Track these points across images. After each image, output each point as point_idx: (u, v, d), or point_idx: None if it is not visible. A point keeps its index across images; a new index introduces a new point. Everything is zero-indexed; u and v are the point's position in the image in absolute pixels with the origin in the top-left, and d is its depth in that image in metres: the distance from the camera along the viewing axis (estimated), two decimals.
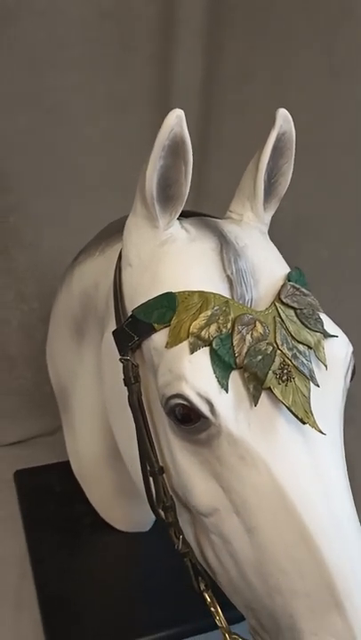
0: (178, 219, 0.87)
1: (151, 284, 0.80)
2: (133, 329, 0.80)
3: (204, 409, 0.70)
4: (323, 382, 0.75)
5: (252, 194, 0.86)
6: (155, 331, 0.77)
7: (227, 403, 0.71)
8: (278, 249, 0.90)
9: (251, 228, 0.87)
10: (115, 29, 1.63)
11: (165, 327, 0.76)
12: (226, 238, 0.82)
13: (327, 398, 0.76)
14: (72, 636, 1.07)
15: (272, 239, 0.91)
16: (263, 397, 0.71)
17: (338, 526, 0.68)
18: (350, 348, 0.81)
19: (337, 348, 0.79)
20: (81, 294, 1.08)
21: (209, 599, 0.80)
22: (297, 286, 0.80)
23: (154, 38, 1.61)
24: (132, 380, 0.81)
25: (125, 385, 0.81)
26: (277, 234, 0.92)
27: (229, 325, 0.73)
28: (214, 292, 0.75)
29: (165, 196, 0.79)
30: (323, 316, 0.80)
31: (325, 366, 0.76)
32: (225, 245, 0.81)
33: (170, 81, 1.63)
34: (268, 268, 0.82)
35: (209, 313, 0.73)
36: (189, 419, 0.72)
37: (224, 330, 0.73)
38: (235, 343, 0.72)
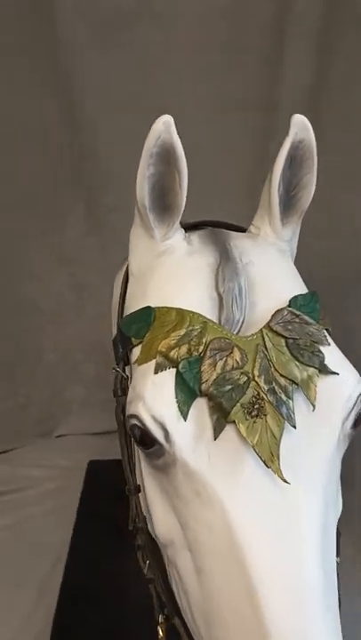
0: (192, 229, 0.82)
1: (141, 296, 0.77)
2: (121, 340, 0.78)
3: (158, 435, 0.66)
4: (309, 425, 0.66)
5: (269, 209, 0.78)
6: (132, 345, 0.74)
7: (184, 431, 0.65)
8: None
9: (267, 244, 0.79)
10: (230, 29, 1.59)
11: (141, 342, 0.72)
12: (228, 254, 0.75)
13: (314, 444, 0.66)
14: (77, 631, 1.07)
15: None
16: (230, 432, 0.64)
17: (292, 591, 0.59)
18: (358, 389, 0.69)
19: (338, 387, 0.69)
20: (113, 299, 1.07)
21: (161, 634, 0.75)
22: (297, 312, 0.71)
23: (267, 38, 1.55)
24: (118, 392, 0.79)
25: (114, 396, 0.79)
26: None
27: (201, 348, 0.67)
28: (197, 310, 0.70)
29: (161, 206, 0.75)
30: (326, 350, 0.70)
31: (313, 407, 0.67)
32: (224, 261, 0.74)
33: (280, 82, 1.55)
34: (273, 290, 0.74)
35: (182, 332, 0.68)
36: (145, 442, 0.68)
37: (195, 353, 0.67)
38: (203, 368, 0.66)
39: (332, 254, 1.46)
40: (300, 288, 0.76)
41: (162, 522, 0.71)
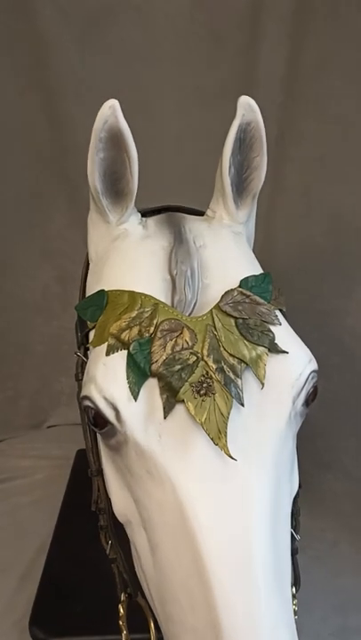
0: (153, 214, 0.84)
1: (97, 280, 0.78)
2: (79, 325, 0.80)
3: (110, 415, 0.67)
4: (259, 403, 0.67)
5: (223, 191, 0.80)
6: (88, 328, 0.76)
7: (135, 411, 0.67)
8: None
9: (221, 227, 0.80)
10: (207, 21, 1.60)
11: (95, 326, 0.74)
12: (182, 237, 0.77)
13: (264, 422, 0.67)
14: (57, 619, 1.09)
15: None
16: (180, 411, 0.66)
17: (240, 566, 0.59)
18: (309, 368, 0.71)
19: (288, 366, 0.70)
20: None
21: (121, 611, 0.77)
22: (247, 293, 0.72)
23: (243, 28, 1.56)
24: (79, 375, 0.80)
25: (75, 380, 0.81)
26: None
27: (152, 330, 0.69)
28: (150, 292, 0.71)
29: (115, 191, 0.76)
30: (277, 329, 0.71)
31: (262, 385, 0.68)
32: (177, 244, 0.76)
33: (256, 72, 1.56)
34: (226, 271, 0.75)
35: (133, 314, 0.70)
36: (97, 423, 0.69)
37: (146, 334, 0.68)
38: (153, 349, 0.68)
39: (309, 240, 1.47)
40: (254, 270, 0.77)
41: (119, 501, 0.73)
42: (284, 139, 1.51)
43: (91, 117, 0.71)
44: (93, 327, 0.74)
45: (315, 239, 1.43)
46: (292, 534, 0.79)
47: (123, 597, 0.79)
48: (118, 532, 0.78)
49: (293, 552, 0.80)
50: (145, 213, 0.85)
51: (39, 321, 1.83)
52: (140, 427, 0.66)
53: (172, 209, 0.87)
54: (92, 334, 0.75)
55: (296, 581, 0.79)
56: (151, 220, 0.81)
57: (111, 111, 0.70)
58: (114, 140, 0.72)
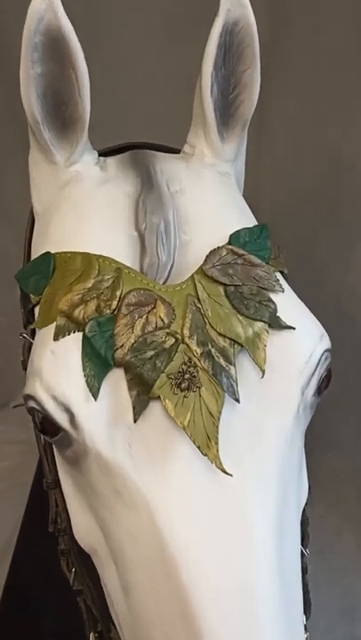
0: (114, 153, 0.65)
1: (42, 240, 0.60)
2: (22, 299, 0.62)
3: (62, 419, 0.51)
4: (258, 397, 0.52)
5: (204, 119, 0.61)
6: (32, 304, 0.58)
7: (96, 414, 0.51)
8: None
9: (202, 167, 0.63)
10: None
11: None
12: (152, 180, 0.59)
13: (265, 420, 0.52)
14: (22, 631, 0.95)
15: None
16: (156, 411, 0.50)
17: (239, 614, 0.46)
18: (321, 347, 0.55)
19: (295, 346, 0.54)
20: None
21: None
22: (240, 251, 0.55)
23: None
24: (26, 363, 0.63)
25: (23, 369, 0.64)
26: None
27: (115, 304, 0.52)
28: (111, 254, 0.54)
29: (60, 120, 0.58)
30: (279, 298, 0.55)
31: (262, 373, 0.52)
32: (146, 190, 0.58)
33: None
34: (210, 224, 0.58)
35: (89, 284, 0.53)
36: (46, 429, 0.53)
37: (106, 310, 0.52)
38: (117, 330, 0.51)
39: (301, 189, 1.29)
40: (247, 221, 0.61)
41: (81, 526, 0.57)
42: (270, 74, 1.31)
43: None
44: (38, 303, 0.56)
45: (308, 187, 1.25)
46: (301, 551, 0.63)
47: (92, 638, 0.63)
48: (84, 557, 0.62)
49: (303, 571, 0.65)
50: (104, 154, 0.67)
51: None
52: (102, 434, 0.51)
53: (139, 147, 0.68)
54: (36, 312, 0.57)
55: (306, 608, 0.65)
56: (112, 160, 0.63)
57: (47, 4, 0.51)
58: (53, 48, 0.54)
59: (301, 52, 1.29)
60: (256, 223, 0.62)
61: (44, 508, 1.18)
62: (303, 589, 0.65)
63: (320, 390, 0.56)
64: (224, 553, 0.47)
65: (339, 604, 0.95)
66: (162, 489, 0.49)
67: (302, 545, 0.65)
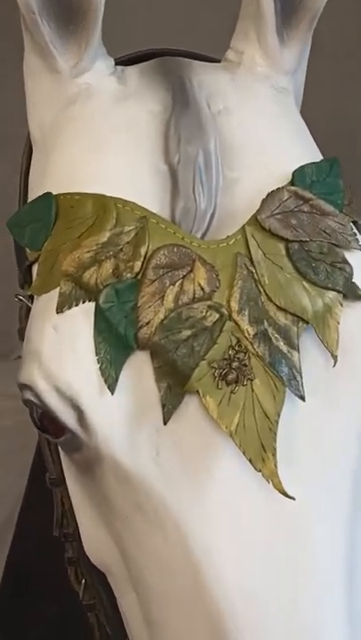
0: (135, 61, 0.51)
1: (41, 177, 0.47)
2: (17, 253, 0.49)
3: (67, 417, 0.40)
4: (327, 391, 0.41)
5: (257, 13, 0.46)
6: (29, 261, 0.45)
7: (112, 411, 0.40)
8: None
9: (253, 79, 0.48)
10: None
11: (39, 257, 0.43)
12: (187, 95, 0.45)
13: (337, 422, 0.41)
14: (25, 618, 0.87)
15: None
16: (192, 409, 0.39)
17: None
18: None
19: None
20: None
21: None
22: (306, 195, 0.42)
23: None
24: (23, 332, 0.51)
25: (20, 338, 0.52)
26: None
27: (139, 265, 0.39)
28: (131, 196, 0.41)
29: (65, 10, 0.43)
30: (357, 257, 0.42)
31: (334, 360, 0.39)
32: (179, 108, 0.44)
33: None
34: (266, 156, 0.44)
35: (104, 238, 0.40)
36: (47, 428, 0.42)
37: (128, 274, 0.40)
38: (143, 301, 0.39)
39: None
40: (311, 153, 0.47)
41: (92, 540, 0.47)
42: None
43: None
44: (36, 260, 0.43)
45: None
46: None
47: None
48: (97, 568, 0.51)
49: None
50: (124, 62, 0.52)
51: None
52: (121, 437, 0.40)
53: (171, 54, 0.53)
54: (34, 271, 0.44)
55: None
56: (133, 70, 0.49)
57: None
58: None
59: None
60: (319, 155, 0.47)
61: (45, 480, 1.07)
62: None
63: None
64: (279, 598, 0.38)
65: None
66: (199, 510, 0.39)
67: None
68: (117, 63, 0.51)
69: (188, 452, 0.39)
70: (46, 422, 0.41)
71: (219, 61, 0.52)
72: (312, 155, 0.46)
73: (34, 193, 0.47)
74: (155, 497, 0.39)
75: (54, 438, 0.42)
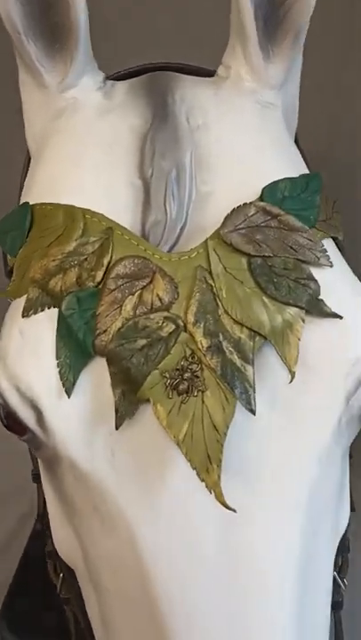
0: (133, 76, 0.52)
1: (27, 186, 0.49)
2: (2, 258, 0.52)
3: (27, 417, 0.42)
4: (285, 406, 0.41)
5: (241, 30, 0.46)
6: (10, 267, 0.47)
7: (70, 413, 0.41)
8: None
9: (237, 94, 0.48)
10: None
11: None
12: (167, 110, 0.46)
13: (294, 438, 0.41)
14: (35, 613, 0.89)
15: None
16: (148, 413, 0.39)
17: None
18: None
19: (342, 339, 0.42)
20: None
21: None
22: (275, 210, 0.42)
23: None
24: None
25: None
26: None
27: (101, 275, 0.40)
28: (104, 207, 0.43)
29: (49, 29, 0.45)
30: (324, 275, 0.42)
31: (292, 374, 0.39)
32: (157, 123, 0.45)
33: None
34: (243, 172, 0.44)
35: (70, 248, 0.42)
36: (11, 426, 0.44)
37: (90, 282, 0.41)
38: (102, 310, 0.40)
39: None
40: (292, 169, 0.46)
41: (60, 537, 0.49)
42: None
43: None
44: (14, 263, 0.46)
45: None
46: (335, 581, 0.52)
47: None
48: None
49: (336, 606, 0.55)
50: (119, 78, 0.53)
51: None
52: (78, 438, 0.42)
53: (166, 68, 0.54)
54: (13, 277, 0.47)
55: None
56: (123, 85, 0.50)
57: None
58: None
59: None
60: (304, 170, 0.47)
61: None
62: (336, 628, 0.54)
63: None
64: (219, 607, 0.38)
65: None
66: (149, 515, 0.39)
67: (338, 574, 0.54)
68: (116, 77, 0.53)
69: (142, 457, 0.40)
70: (10, 421, 0.43)
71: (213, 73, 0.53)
72: (293, 170, 0.45)
73: (21, 201, 0.49)
74: (109, 499, 0.40)
75: (19, 437, 0.43)
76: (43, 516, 0.55)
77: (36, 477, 0.54)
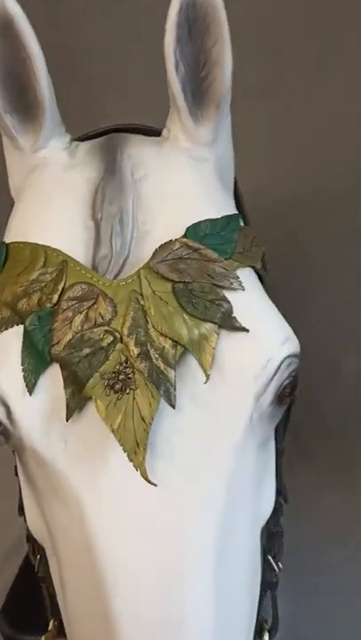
0: (97, 136, 0.63)
1: (7, 228, 0.59)
2: None
3: None
4: (204, 403, 0.49)
5: (174, 100, 0.57)
6: None
7: (32, 409, 0.50)
8: None
9: (174, 151, 0.58)
10: None
11: None
12: (115, 165, 0.56)
13: (212, 430, 0.49)
14: (31, 611, 0.97)
15: None
16: (91, 410, 0.48)
17: (162, 626, 0.45)
18: (283, 352, 0.51)
19: (251, 349, 0.50)
20: None
21: None
22: (195, 245, 0.51)
23: None
24: None
25: None
26: None
27: (56, 298, 0.50)
28: (66, 245, 0.53)
29: (23, 105, 0.56)
30: (237, 297, 0.51)
31: (207, 377, 0.48)
32: (107, 176, 0.55)
33: None
34: (175, 213, 0.54)
35: (34, 276, 0.52)
36: None
37: (48, 304, 0.50)
38: (56, 325, 0.50)
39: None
40: (216, 210, 0.55)
41: (30, 515, 0.58)
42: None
43: None
44: None
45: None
46: (270, 565, 0.60)
47: (51, 625, 0.64)
48: None
49: (271, 586, 0.61)
50: (88, 138, 0.64)
51: None
52: (38, 429, 0.50)
53: (126, 130, 0.65)
54: None
55: (273, 624, 0.61)
56: (85, 145, 0.61)
57: None
58: (5, 33, 0.51)
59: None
60: (229, 211, 0.57)
61: None
62: (273, 604, 0.61)
63: (281, 399, 0.51)
64: (149, 568, 0.46)
65: None
66: (93, 489, 0.48)
67: (273, 558, 0.61)
68: (89, 137, 0.64)
69: (89, 444, 0.48)
70: None
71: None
72: (217, 212, 0.54)
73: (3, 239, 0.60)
74: (62, 480, 0.49)
75: None
76: (21, 507, 0.64)
77: (15, 471, 0.63)
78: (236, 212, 0.57)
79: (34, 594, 0.99)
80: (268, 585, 0.60)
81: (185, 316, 0.49)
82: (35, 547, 0.64)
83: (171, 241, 0.51)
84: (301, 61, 1.24)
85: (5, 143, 0.61)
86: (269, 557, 0.60)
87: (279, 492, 0.60)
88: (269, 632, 0.60)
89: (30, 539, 0.64)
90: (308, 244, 1.27)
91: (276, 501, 0.59)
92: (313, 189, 1.23)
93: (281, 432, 0.61)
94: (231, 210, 0.58)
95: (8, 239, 0.56)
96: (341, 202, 1.22)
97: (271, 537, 0.60)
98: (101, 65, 1.41)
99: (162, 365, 0.48)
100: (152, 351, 0.48)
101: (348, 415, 1.27)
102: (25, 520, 0.63)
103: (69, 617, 0.51)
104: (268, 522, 0.57)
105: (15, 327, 0.51)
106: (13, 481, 0.64)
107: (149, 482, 0.45)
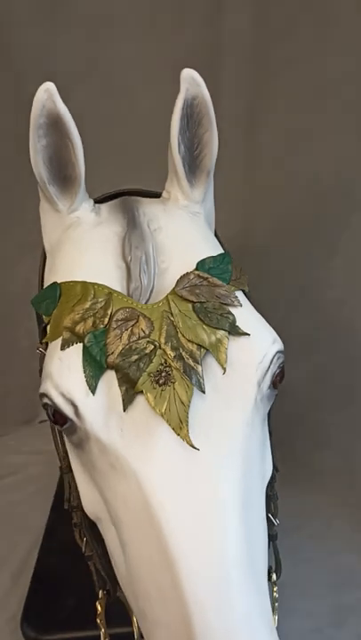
0: (109, 199, 0.81)
1: (50, 272, 0.75)
2: (37, 319, 0.77)
3: (68, 411, 0.65)
4: (221, 389, 0.65)
5: (175, 171, 0.76)
6: (45, 323, 0.73)
7: (94, 406, 0.64)
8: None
9: (176, 208, 0.77)
10: None
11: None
12: (136, 221, 0.73)
13: (228, 408, 0.65)
14: (48, 613, 1.07)
15: None
16: (140, 402, 0.63)
17: (210, 558, 0.57)
18: (274, 348, 0.68)
19: (251, 348, 0.67)
20: None
21: (99, 609, 0.75)
22: (205, 275, 0.69)
23: None
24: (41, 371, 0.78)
25: (40, 376, 0.78)
26: None
27: (107, 320, 0.66)
28: (104, 281, 0.68)
29: (62, 178, 0.73)
30: (237, 311, 0.68)
31: (224, 370, 0.65)
32: (131, 229, 0.72)
33: (222, 40, 1.50)
34: (183, 254, 0.72)
35: (87, 305, 0.67)
36: (57, 420, 0.67)
37: (100, 325, 0.66)
38: (109, 340, 0.65)
39: (289, 211, 1.43)
40: (212, 250, 0.74)
41: (87, 498, 0.71)
42: (255, 109, 1.46)
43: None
44: (49, 322, 0.71)
45: (293, 211, 1.39)
46: (270, 519, 0.76)
47: (101, 594, 0.77)
48: (93, 528, 0.75)
49: (272, 538, 0.78)
50: (100, 200, 0.82)
51: (22, 315, 1.79)
52: (100, 421, 0.64)
53: (129, 193, 0.83)
54: (48, 329, 0.72)
55: (277, 568, 0.77)
56: (104, 207, 0.78)
57: (47, 95, 0.67)
58: (54, 126, 0.69)
59: (284, 88, 1.43)
60: (219, 250, 0.75)
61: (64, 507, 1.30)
62: (274, 551, 0.77)
63: (275, 384, 0.69)
64: (197, 511, 0.58)
65: (328, 579, 1.08)
66: (146, 462, 0.61)
67: (271, 515, 0.77)
68: (98, 200, 0.82)
69: (140, 428, 0.62)
70: (56, 416, 0.65)
71: (160, 193, 0.82)
72: (213, 252, 0.73)
73: (47, 283, 0.75)
74: (121, 458, 0.62)
75: (61, 427, 0.66)
76: (69, 499, 0.76)
77: (64, 470, 0.75)
78: (227, 251, 0.75)
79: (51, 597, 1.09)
80: (271, 537, 0.76)
81: (204, 326, 0.66)
82: (81, 531, 0.77)
83: (187, 273, 0.69)
84: None
85: (44, 207, 0.77)
86: (269, 515, 0.77)
87: (273, 464, 0.75)
88: (276, 573, 0.76)
89: (77, 526, 0.77)
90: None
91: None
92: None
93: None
94: (219, 248, 0.77)
95: (57, 279, 0.71)
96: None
97: (268, 499, 0.76)
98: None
99: (192, 363, 0.64)
100: (183, 353, 0.64)
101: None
102: (70, 508, 0.76)
103: (132, 569, 0.61)
104: (266, 487, 0.71)
105: (75, 345, 0.66)
106: None
107: (192, 446, 0.60)
